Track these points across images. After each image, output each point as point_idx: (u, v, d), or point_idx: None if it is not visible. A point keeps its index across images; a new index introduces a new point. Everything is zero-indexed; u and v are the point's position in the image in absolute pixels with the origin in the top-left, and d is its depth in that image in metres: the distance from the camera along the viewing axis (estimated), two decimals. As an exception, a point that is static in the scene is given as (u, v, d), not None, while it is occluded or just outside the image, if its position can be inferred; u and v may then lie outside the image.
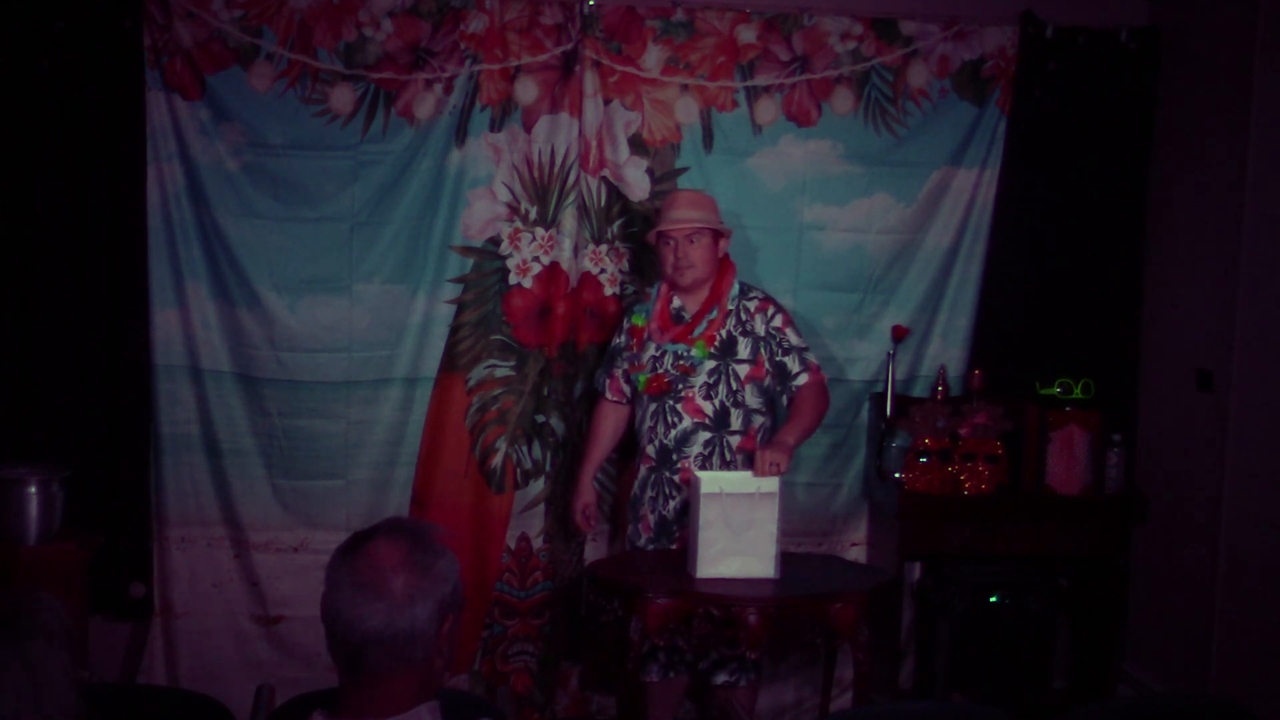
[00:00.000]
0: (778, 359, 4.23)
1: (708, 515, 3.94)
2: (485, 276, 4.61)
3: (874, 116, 4.70)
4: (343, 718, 1.93)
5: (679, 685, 4.37)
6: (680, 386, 4.20)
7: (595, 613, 4.10)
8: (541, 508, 4.66)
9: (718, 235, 4.24)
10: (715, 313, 4.22)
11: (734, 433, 4.21)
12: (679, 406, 4.21)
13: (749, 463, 4.16)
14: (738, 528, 3.94)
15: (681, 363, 4.21)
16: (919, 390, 4.79)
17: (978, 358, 4.77)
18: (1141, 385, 4.85)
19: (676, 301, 4.28)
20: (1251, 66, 4.25)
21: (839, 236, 4.73)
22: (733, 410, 4.20)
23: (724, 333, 4.21)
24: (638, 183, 4.62)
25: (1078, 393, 4.61)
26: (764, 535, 3.96)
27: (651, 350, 4.25)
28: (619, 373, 4.37)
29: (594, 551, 4.69)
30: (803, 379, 4.23)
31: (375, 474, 4.59)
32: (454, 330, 4.59)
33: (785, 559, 4.04)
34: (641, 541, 4.30)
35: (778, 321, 4.24)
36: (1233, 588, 4.30)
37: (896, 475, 4.55)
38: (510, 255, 4.59)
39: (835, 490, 4.84)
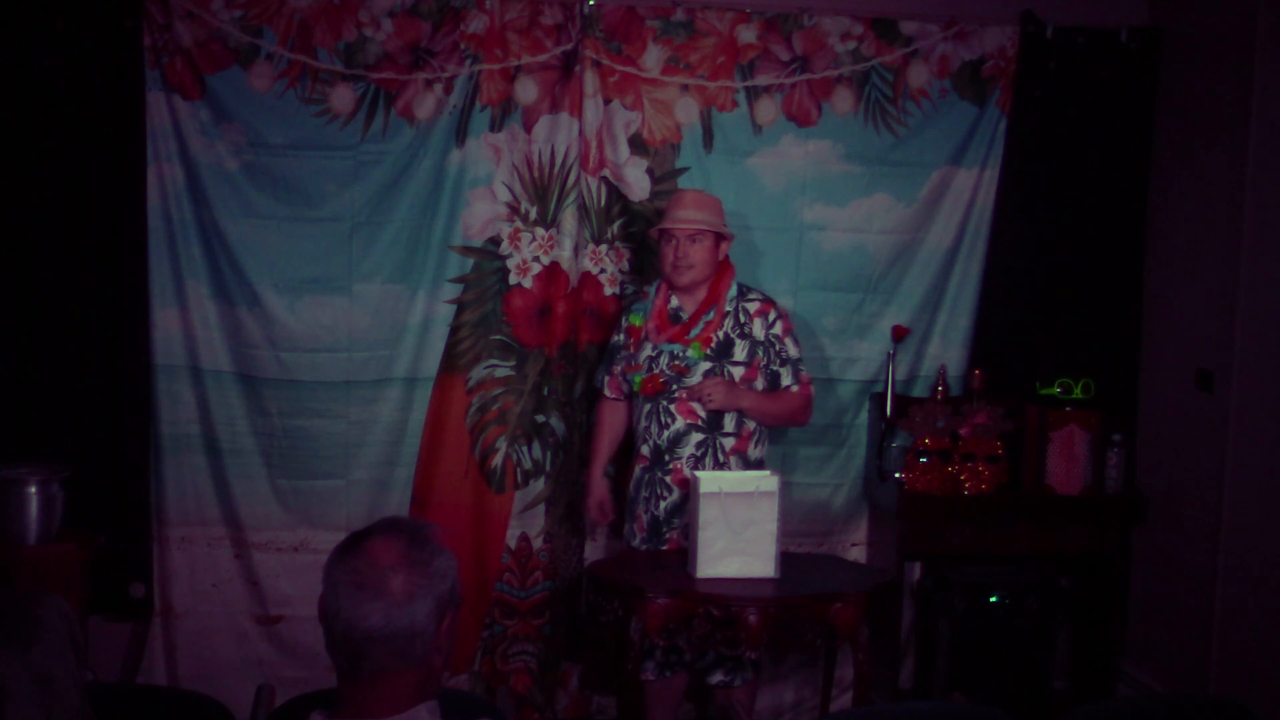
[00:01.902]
0: (774, 368, 4.24)
1: (708, 515, 3.94)
2: (485, 276, 4.61)
3: (874, 116, 4.71)
4: (342, 718, 1.93)
5: (678, 684, 4.37)
6: (675, 387, 4.21)
7: (595, 613, 4.10)
8: (542, 508, 4.66)
9: (720, 238, 4.24)
10: (712, 314, 4.22)
11: (727, 434, 4.22)
12: (672, 407, 4.22)
13: (743, 464, 4.19)
14: (737, 527, 3.95)
15: (677, 363, 4.21)
16: (919, 390, 4.79)
17: (978, 358, 4.77)
18: (1141, 385, 4.85)
19: (674, 301, 4.28)
20: (1251, 66, 4.25)
21: (839, 236, 4.73)
22: (725, 413, 4.20)
23: (720, 334, 4.22)
24: (638, 183, 4.62)
25: (1078, 393, 4.61)
26: (764, 535, 3.96)
27: (648, 350, 4.26)
28: (618, 370, 4.37)
29: (594, 551, 4.69)
30: (793, 390, 4.27)
31: (375, 474, 4.59)
32: (454, 330, 4.59)
33: (785, 559, 4.04)
34: (636, 541, 4.31)
35: (778, 329, 4.25)
36: (1233, 588, 4.30)
37: (896, 475, 4.55)
38: (510, 255, 4.60)
39: (835, 490, 4.84)
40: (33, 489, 4.08)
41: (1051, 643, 4.66)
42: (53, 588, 3.88)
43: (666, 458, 4.23)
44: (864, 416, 4.81)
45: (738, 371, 4.21)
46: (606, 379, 4.43)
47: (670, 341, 4.23)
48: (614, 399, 4.42)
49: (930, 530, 4.52)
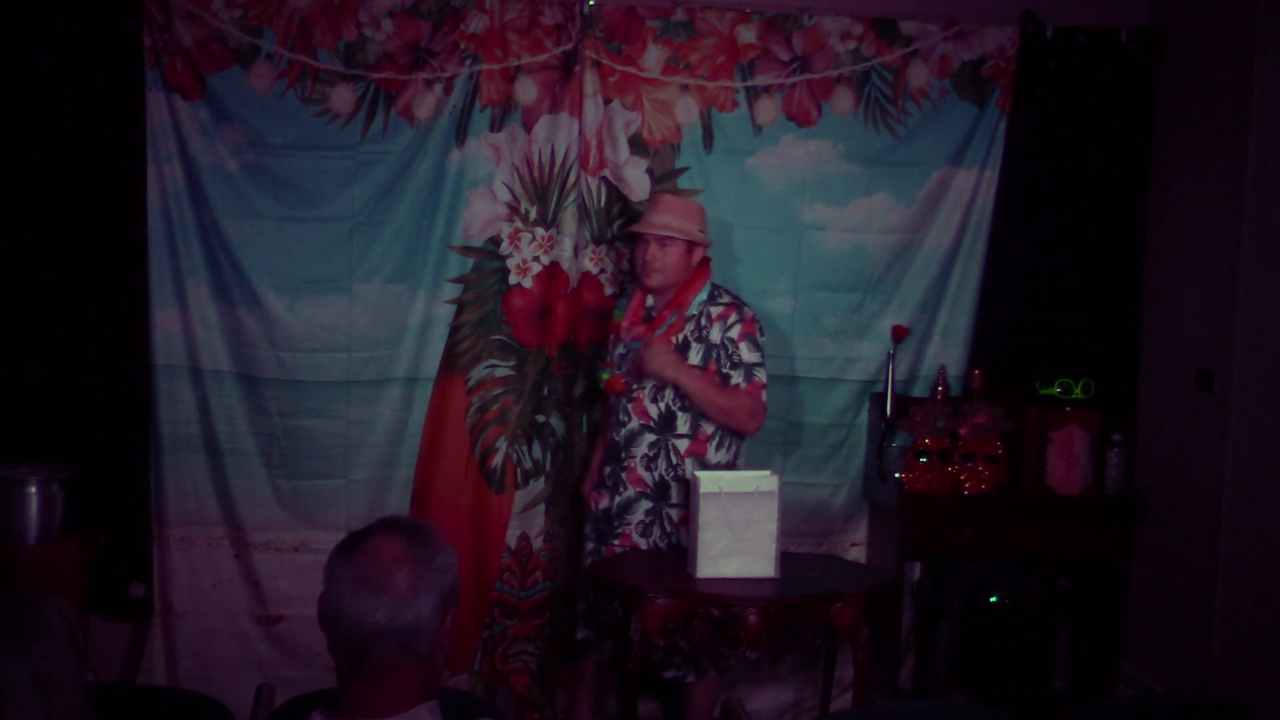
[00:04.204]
0: (724, 370, 4.19)
1: (708, 515, 3.94)
2: (485, 276, 4.61)
3: (874, 116, 4.71)
4: (342, 718, 1.93)
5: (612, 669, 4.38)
6: (634, 386, 4.22)
7: (595, 612, 4.10)
8: (542, 507, 4.66)
9: (692, 246, 4.24)
10: (674, 317, 4.22)
11: (681, 436, 4.21)
12: (630, 406, 4.24)
13: (700, 466, 4.18)
14: (737, 527, 3.95)
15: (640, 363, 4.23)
16: (919, 390, 4.79)
17: (978, 358, 4.77)
18: (1141, 385, 4.85)
19: (650, 300, 4.30)
20: (1251, 66, 4.25)
21: (839, 236, 4.73)
22: (679, 415, 4.20)
23: (679, 338, 4.20)
24: (638, 183, 4.62)
25: (1078, 393, 4.62)
26: (764, 535, 3.97)
27: (620, 349, 4.29)
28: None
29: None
30: (740, 388, 4.19)
31: (375, 474, 4.59)
32: (454, 330, 4.59)
33: (785, 559, 4.04)
34: (599, 509, 4.32)
35: (734, 333, 4.19)
36: (1233, 588, 4.30)
37: (896, 475, 4.55)
38: (510, 255, 4.60)
39: (835, 490, 4.84)
40: (33, 489, 4.09)
41: (1051, 643, 4.67)
42: (53, 588, 3.89)
43: (623, 455, 4.25)
44: (864, 416, 4.81)
45: None
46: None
47: (635, 340, 4.25)
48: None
49: (930, 530, 4.52)
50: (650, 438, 4.21)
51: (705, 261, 4.28)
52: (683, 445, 4.21)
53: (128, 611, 4.48)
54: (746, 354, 4.19)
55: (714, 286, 4.28)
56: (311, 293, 4.50)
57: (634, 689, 4.00)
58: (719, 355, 4.18)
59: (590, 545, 4.36)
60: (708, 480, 3.98)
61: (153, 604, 4.50)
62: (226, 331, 4.49)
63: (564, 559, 4.67)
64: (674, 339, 4.20)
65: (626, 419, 4.24)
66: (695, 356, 4.19)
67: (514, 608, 4.67)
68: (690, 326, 4.21)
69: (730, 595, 3.84)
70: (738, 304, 4.26)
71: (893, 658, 4.59)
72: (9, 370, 4.34)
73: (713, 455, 4.22)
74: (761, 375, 4.20)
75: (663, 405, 4.20)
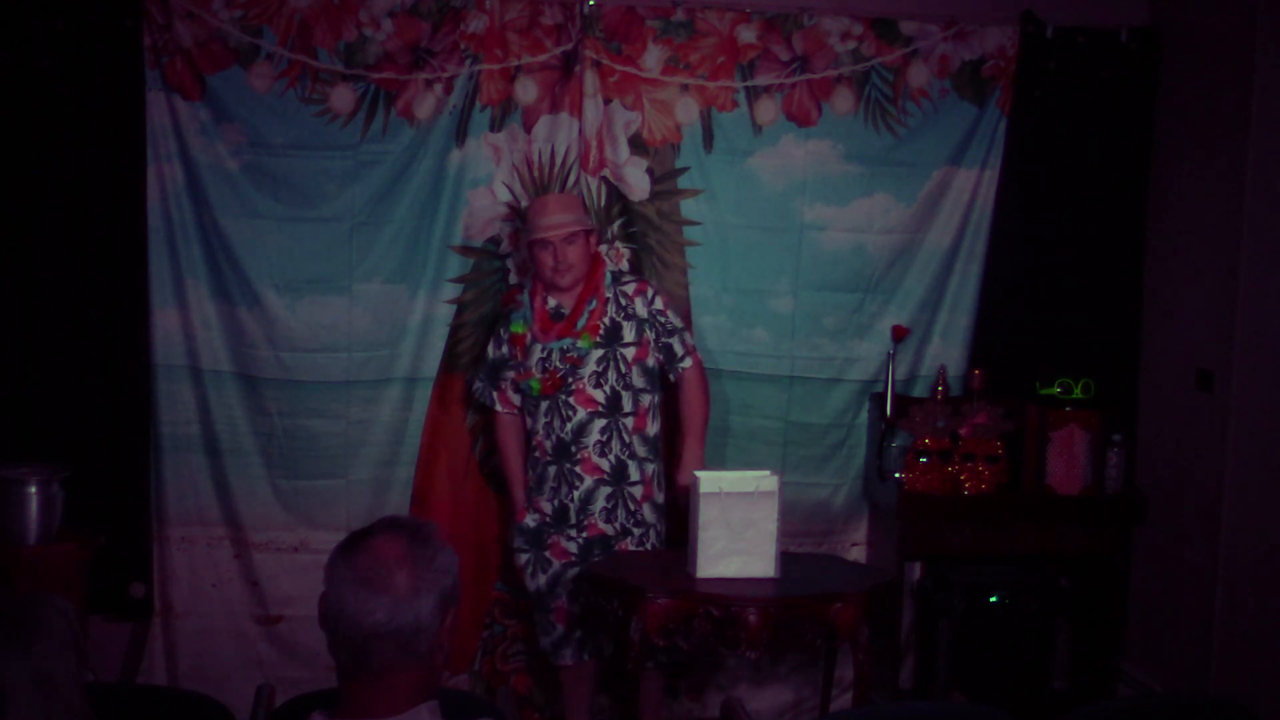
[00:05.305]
0: (664, 341, 4.33)
1: (708, 515, 3.95)
2: (485, 276, 4.61)
3: (874, 116, 4.71)
4: (342, 718, 1.93)
5: (591, 668, 4.38)
6: (570, 380, 4.24)
7: (595, 613, 4.10)
8: (541, 508, 4.66)
9: (589, 233, 4.30)
10: (594, 303, 4.28)
11: (626, 415, 4.27)
12: (571, 399, 4.25)
13: (645, 443, 4.29)
14: (738, 527, 3.95)
15: (570, 355, 4.25)
16: (919, 390, 4.79)
17: (978, 358, 4.77)
18: (1141, 385, 4.85)
19: (552, 301, 4.31)
20: (1251, 66, 4.25)
21: (839, 236, 4.73)
22: (623, 394, 4.26)
23: (607, 320, 4.27)
24: (638, 183, 4.63)
25: (1078, 393, 4.62)
26: (764, 535, 3.97)
27: (538, 353, 4.28)
28: (506, 385, 4.37)
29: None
30: (687, 362, 4.36)
31: (375, 474, 4.59)
32: (454, 330, 4.60)
33: (785, 559, 4.05)
34: (533, 522, 4.30)
35: (659, 304, 4.34)
36: (1233, 588, 4.30)
37: (896, 475, 4.55)
38: (510, 255, 4.60)
39: (835, 490, 4.84)
40: (33, 489, 4.09)
41: (1051, 643, 4.66)
42: (53, 588, 3.89)
43: (573, 449, 4.26)
44: (864, 416, 4.81)
45: (629, 352, 4.26)
46: (495, 395, 4.40)
47: (559, 338, 4.27)
48: (508, 412, 4.41)
49: (930, 530, 4.52)
50: (601, 423, 4.25)
51: (597, 250, 4.39)
52: (629, 423, 4.27)
53: (128, 611, 4.48)
54: (675, 321, 4.37)
55: (611, 270, 4.39)
56: (311, 293, 4.50)
57: (634, 689, 4.00)
58: (654, 328, 4.32)
59: (525, 557, 4.33)
60: (708, 480, 3.98)
61: (153, 604, 4.50)
62: (226, 331, 4.49)
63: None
64: (601, 323, 4.25)
65: (571, 413, 4.26)
66: (629, 333, 4.27)
67: (514, 608, 4.67)
68: (612, 307, 4.28)
69: (730, 595, 3.84)
70: (645, 280, 4.44)
71: (893, 658, 4.59)
72: (9, 370, 4.34)
73: (650, 428, 4.33)
74: (689, 338, 4.40)
75: (607, 388, 4.25)
